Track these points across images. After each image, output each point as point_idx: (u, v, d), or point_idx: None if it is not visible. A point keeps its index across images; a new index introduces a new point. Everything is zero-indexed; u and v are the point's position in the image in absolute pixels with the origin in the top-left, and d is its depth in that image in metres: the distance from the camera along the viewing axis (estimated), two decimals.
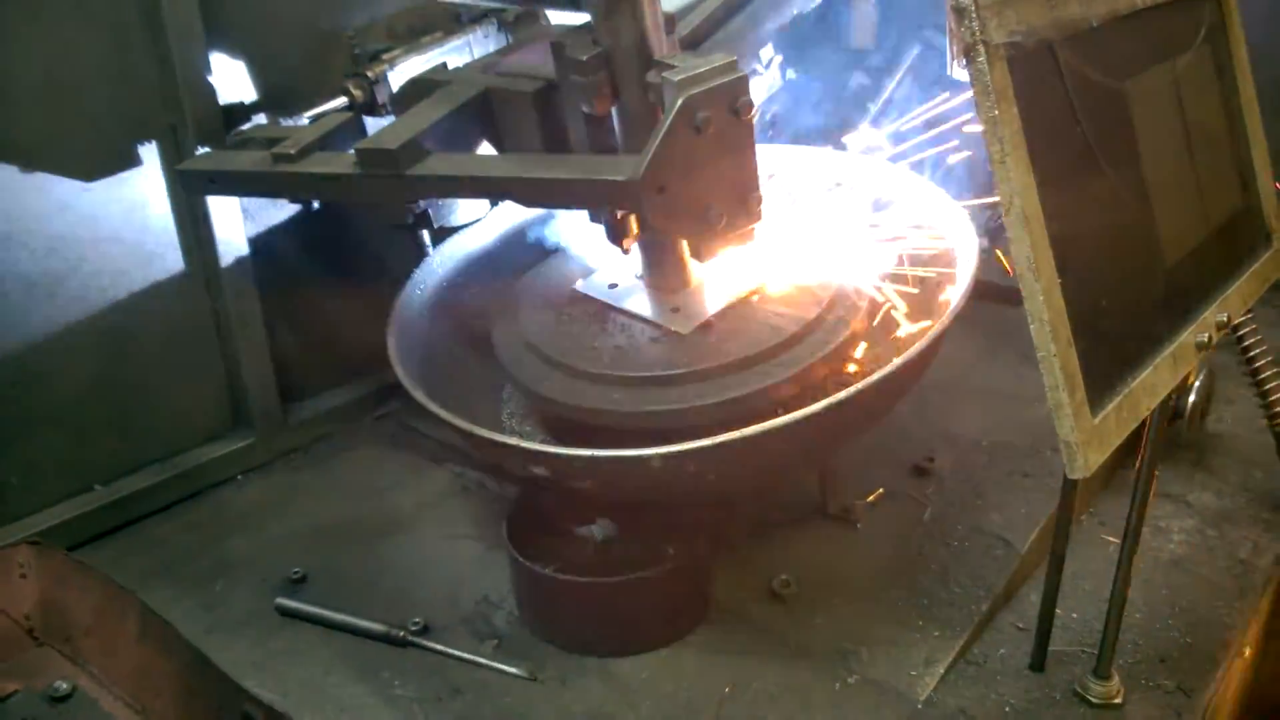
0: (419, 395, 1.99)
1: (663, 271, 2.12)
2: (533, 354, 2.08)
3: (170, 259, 2.37)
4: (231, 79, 2.36)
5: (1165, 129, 1.69)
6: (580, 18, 1.90)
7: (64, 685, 1.67)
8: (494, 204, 2.55)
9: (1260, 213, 1.91)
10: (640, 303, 2.12)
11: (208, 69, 2.28)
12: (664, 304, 2.10)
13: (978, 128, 1.37)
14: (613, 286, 2.17)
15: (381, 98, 2.36)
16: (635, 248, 2.09)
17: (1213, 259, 1.78)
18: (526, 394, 2.11)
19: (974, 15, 1.30)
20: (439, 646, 1.95)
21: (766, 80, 2.53)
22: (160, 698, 1.66)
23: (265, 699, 1.59)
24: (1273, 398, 2.14)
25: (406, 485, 2.49)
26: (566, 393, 1.99)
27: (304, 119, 2.38)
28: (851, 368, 2.13)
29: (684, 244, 2.04)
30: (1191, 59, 1.74)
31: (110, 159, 2.23)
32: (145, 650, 1.69)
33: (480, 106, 2.10)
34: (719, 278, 2.10)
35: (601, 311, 2.14)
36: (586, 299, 2.17)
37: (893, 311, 2.12)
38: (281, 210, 2.53)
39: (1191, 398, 2.27)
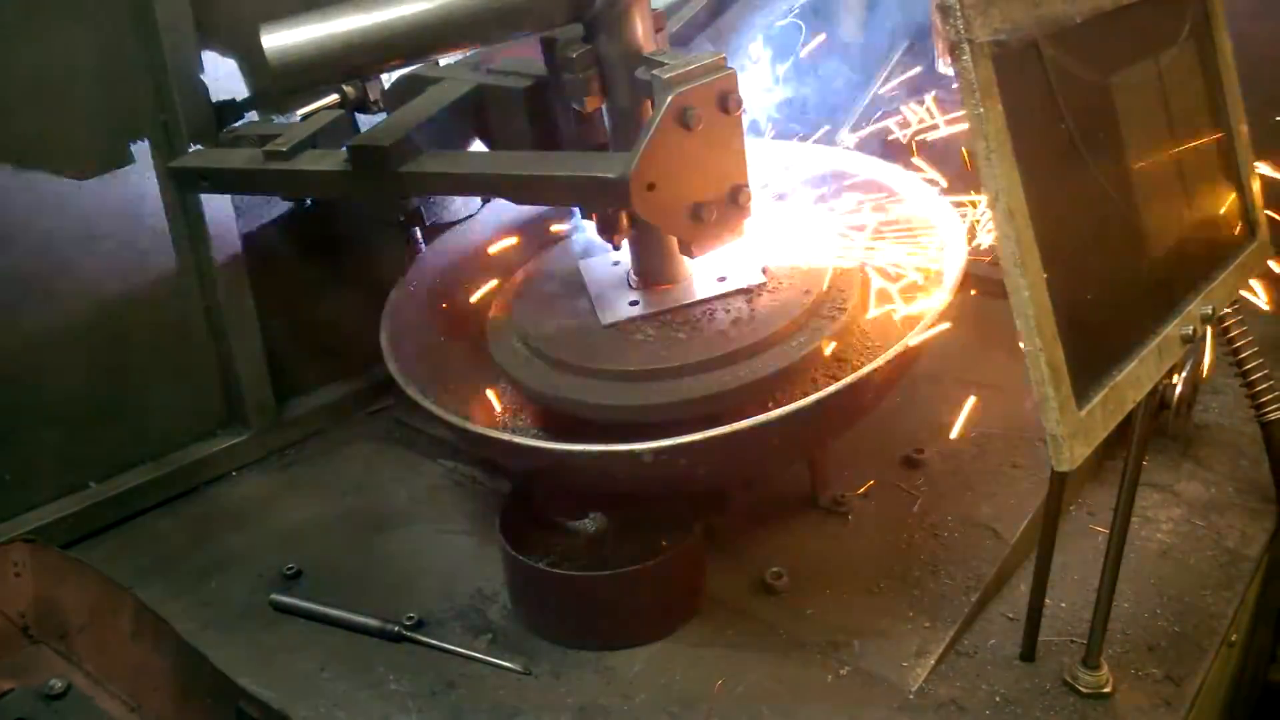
0: (412, 391, 2.00)
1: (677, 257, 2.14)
2: (661, 376, 1.97)
3: (163, 256, 2.37)
4: (223, 76, 2.36)
5: (1150, 124, 1.70)
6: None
7: (58, 683, 1.67)
8: (485, 201, 2.56)
9: (1244, 206, 1.92)
10: (690, 291, 2.12)
11: (199, 66, 2.28)
12: (709, 280, 2.12)
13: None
14: (634, 304, 2.12)
15: (373, 95, 2.37)
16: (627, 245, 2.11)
17: (1197, 252, 1.79)
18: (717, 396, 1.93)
19: (959, 13, 1.31)
20: (433, 641, 1.96)
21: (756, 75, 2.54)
22: (155, 694, 1.67)
23: (260, 695, 1.60)
24: (1259, 388, 2.15)
25: (400, 480, 2.49)
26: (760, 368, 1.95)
27: (296, 116, 2.38)
28: None
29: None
30: (1176, 54, 1.75)
31: (102, 157, 2.23)
32: (140, 647, 1.70)
33: (472, 104, 2.11)
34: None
35: (663, 316, 2.08)
36: (634, 321, 2.09)
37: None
38: (274, 207, 2.53)
39: (1178, 388, 2.28)
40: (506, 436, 1.94)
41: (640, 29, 1.83)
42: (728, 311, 2.06)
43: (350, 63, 1.77)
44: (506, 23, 1.78)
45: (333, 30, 1.72)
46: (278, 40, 1.71)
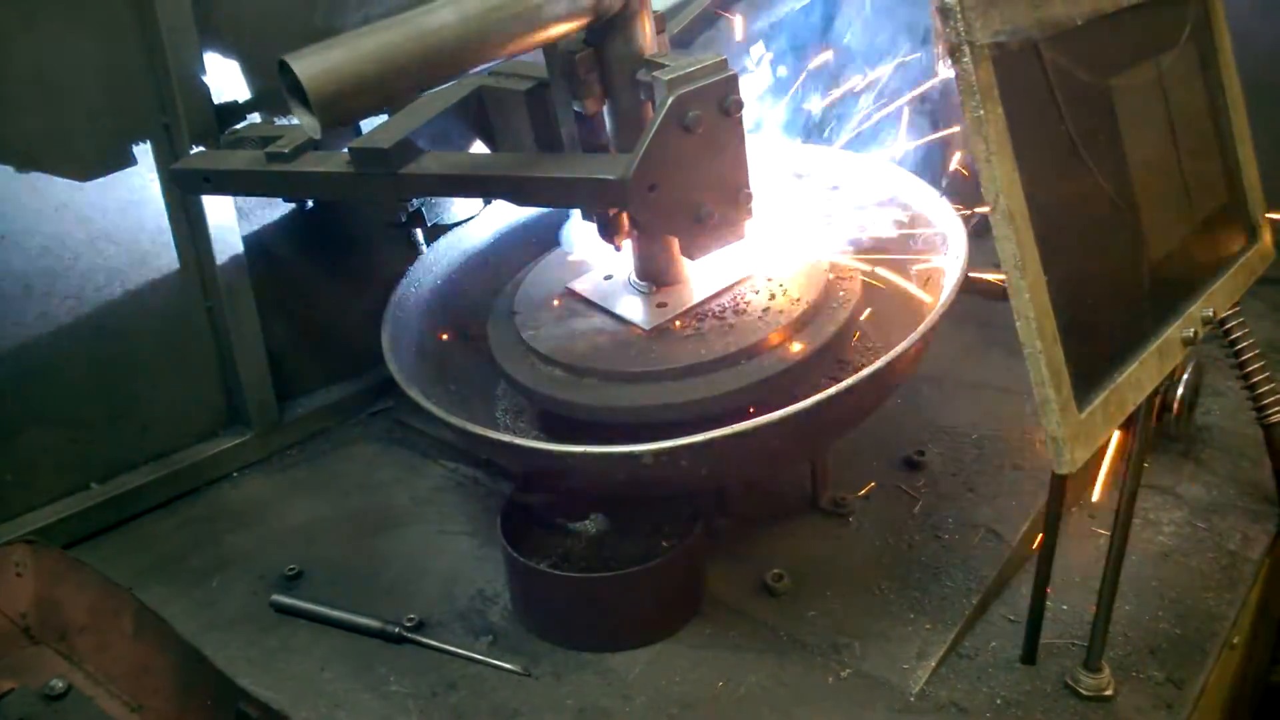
0: (413, 392, 2.00)
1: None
2: (740, 359, 1.98)
3: (165, 257, 2.37)
4: (225, 78, 2.36)
5: (1150, 126, 1.70)
6: None
7: (59, 683, 1.68)
8: (487, 202, 2.56)
9: (1245, 208, 1.92)
10: (709, 283, 2.12)
11: (201, 68, 2.28)
12: (718, 270, 2.12)
13: None
14: (661, 306, 2.10)
15: None
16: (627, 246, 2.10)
17: (1198, 254, 1.79)
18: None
19: (959, 15, 1.31)
20: (434, 642, 1.96)
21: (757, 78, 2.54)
22: (156, 695, 1.67)
23: (261, 696, 1.60)
24: (1260, 390, 2.15)
25: (401, 481, 2.50)
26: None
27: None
28: None
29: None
30: (1177, 56, 1.75)
31: (104, 159, 2.23)
32: (141, 648, 1.71)
33: (473, 105, 2.11)
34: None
35: (696, 311, 2.09)
36: (672, 321, 2.07)
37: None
38: (276, 208, 2.54)
39: (1180, 390, 2.28)
40: (508, 438, 1.94)
41: (642, 31, 1.83)
42: (757, 292, 2.08)
43: (396, 86, 1.62)
44: (536, 28, 1.70)
45: (370, 55, 1.58)
46: (312, 69, 1.54)
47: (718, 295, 2.10)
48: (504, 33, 1.66)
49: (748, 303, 2.07)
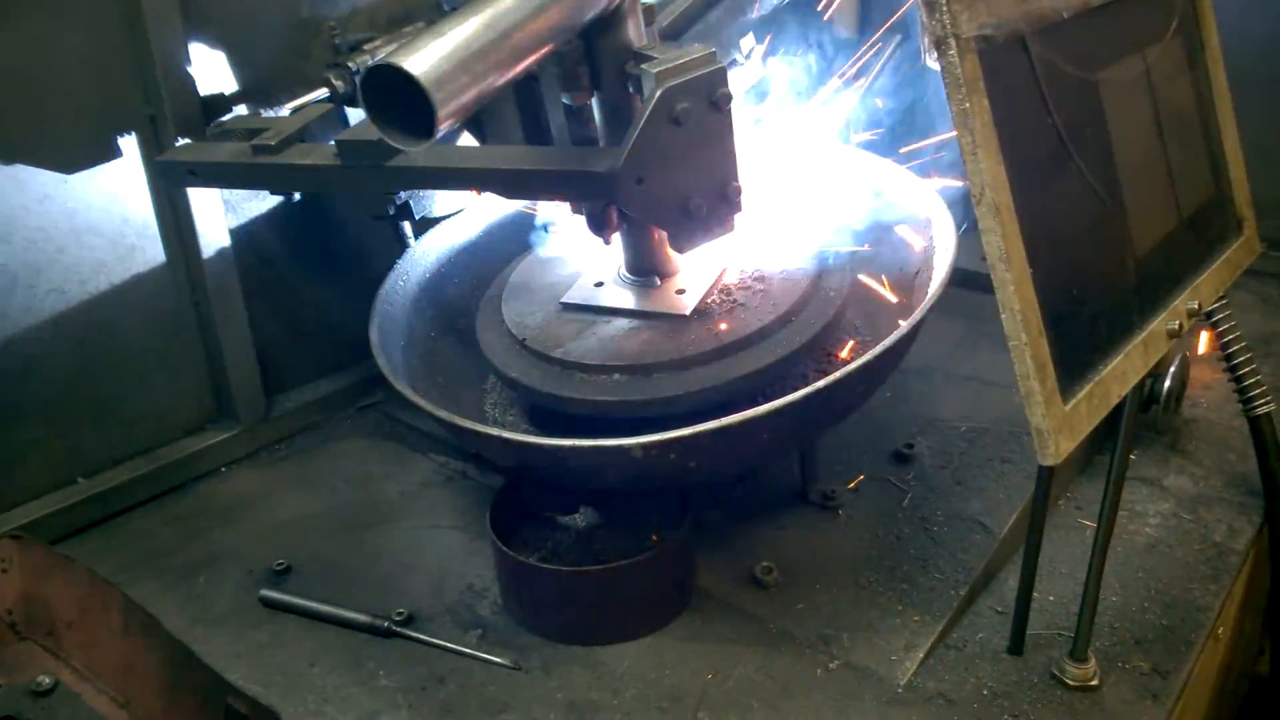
0: (401, 386, 2.00)
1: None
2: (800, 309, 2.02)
3: (151, 251, 2.36)
4: (211, 69, 2.35)
5: (1137, 119, 1.70)
6: None
7: (46, 680, 1.66)
8: (478, 195, 2.55)
9: (1231, 201, 1.93)
10: (714, 263, 2.13)
11: (187, 59, 2.27)
12: (714, 252, 2.11)
13: None
14: (681, 292, 2.08)
15: None
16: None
17: (1184, 247, 1.80)
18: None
19: (944, 8, 1.31)
20: (423, 636, 1.96)
21: (748, 71, 2.54)
22: (144, 691, 1.66)
23: (249, 691, 1.59)
24: (1247, 382, 2.16)
25: (390, 476, 2.49)
26: None
27: (285, 110, 2.37)
28: None
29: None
30: (1163, 49, 1.75)
31: (89, 151, 2.22)
32: (129, 644, 1.70)
33: None
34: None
35: (716, 288, 2.09)
36: (705, 301, 2.06)
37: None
38: (263, 201, 2.53)
39: (1166, 383, 2.29)
40: (496, 431, 1.94)
41: (631, 23, 1.83)
42: (764, 262, 2.10)
43: (499, 83, 1.48)
44: (578, 20, 1.67)
45: (470, 46, 1.43)
46: (422, 66, 1.36)
47: (724, 272, 2.11)
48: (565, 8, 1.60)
49: (767, 272, 2.08)
